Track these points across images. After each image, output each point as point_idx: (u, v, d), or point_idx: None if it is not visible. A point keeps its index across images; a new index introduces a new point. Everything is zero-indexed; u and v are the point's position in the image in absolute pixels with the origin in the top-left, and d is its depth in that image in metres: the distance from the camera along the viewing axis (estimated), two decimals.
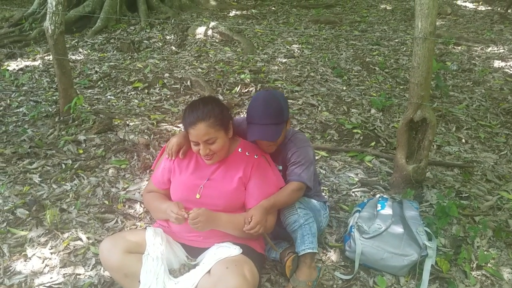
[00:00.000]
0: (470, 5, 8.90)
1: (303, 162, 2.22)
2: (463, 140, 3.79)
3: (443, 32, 6.81)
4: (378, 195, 2.86)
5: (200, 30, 6.56)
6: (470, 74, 5.31)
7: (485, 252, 2.45)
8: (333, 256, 2.42)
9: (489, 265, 2.40)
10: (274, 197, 2.10)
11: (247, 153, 2.10)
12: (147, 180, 3.08)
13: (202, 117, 1.92)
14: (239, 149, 2.11)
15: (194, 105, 1.99)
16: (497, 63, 5.65)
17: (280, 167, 2.31)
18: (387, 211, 2.44)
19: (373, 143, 3.60)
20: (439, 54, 5.89)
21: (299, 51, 6.00)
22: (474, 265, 2.40)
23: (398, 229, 2.34)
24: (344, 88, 4.73)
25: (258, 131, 2.11)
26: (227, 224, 2.01)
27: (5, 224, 2.63)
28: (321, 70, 5.21)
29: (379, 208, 2.47)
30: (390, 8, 8.86)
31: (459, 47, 6.30)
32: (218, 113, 1.96)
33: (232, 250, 1.94)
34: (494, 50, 6.18)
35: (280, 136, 2.15)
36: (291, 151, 2.25)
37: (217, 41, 6.41)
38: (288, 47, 6.16)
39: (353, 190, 3.02)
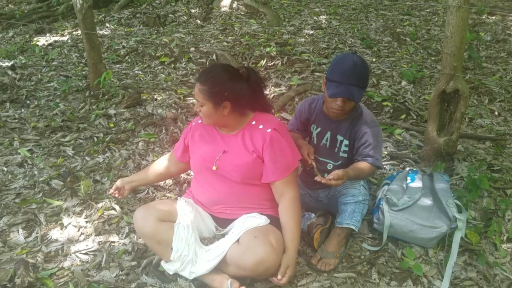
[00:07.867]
0: None
1: (376, 144, 2.21)
2: (496, 113, 3.69)
3: (477, 1, 6.54)
4: (407, 168, 2.84)
5: (225, 2, 6.50)
6: (504, 44, 5.11)
7: None
8: (361, 228, 2.42)
9: None
10: (354, 170, 2.13)
11: (260, 126, 2.04)
12: None
13: (200, 80, 1.98)
14: (253, 122, 2.06)
15: (210, 67, 2.08)
16: None
17: (347, 142, 2.27)
18: (417, 183, 2.42)
19: (403, 116, 3.53)
20: (472, 25, 5.67)
21: (326, 22, 5.88)
22: (505, 238, 2.37)
23: (428, 201, 2.32)
24: (374, 59, 4.63)
25: (343, 89, 2.07)
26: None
27: (41, 194, 2.73)
28: (350, 42, 5.10)
29: (408, 181, 2.45)
30: None
31: (493, 17, 6.05)
32: (215, 86, 1.94)
33: (260, 220, 1.98)
34: None
35: (360, 100, 2.13)
36: (362, 129, 2.21)
37: (242, 13, 6.34)
38: (316, 18, 6.04)
39: (383, 163, 2.99)
